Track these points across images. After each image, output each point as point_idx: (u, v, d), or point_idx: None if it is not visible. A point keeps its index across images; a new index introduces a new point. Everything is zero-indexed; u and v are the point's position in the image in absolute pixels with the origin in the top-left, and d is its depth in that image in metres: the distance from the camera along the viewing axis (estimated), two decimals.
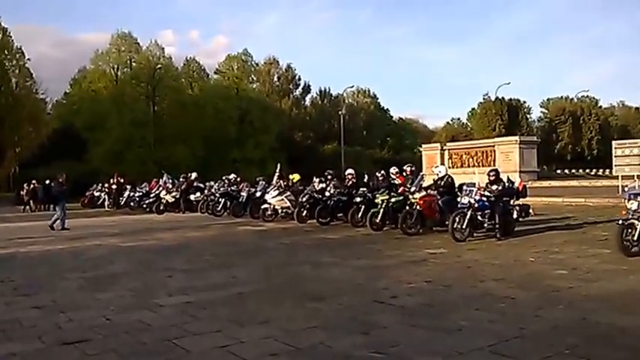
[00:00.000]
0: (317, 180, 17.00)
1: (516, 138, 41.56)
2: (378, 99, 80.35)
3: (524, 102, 76.77)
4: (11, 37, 48.28)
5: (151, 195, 24.71)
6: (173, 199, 23.42)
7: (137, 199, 25.97)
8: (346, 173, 16.45)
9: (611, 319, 5.30)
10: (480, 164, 38.34)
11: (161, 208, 23.11)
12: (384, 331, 5.13)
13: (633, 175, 19.74)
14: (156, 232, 15.35)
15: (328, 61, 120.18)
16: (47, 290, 7.49)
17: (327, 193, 15.78)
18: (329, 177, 16.45)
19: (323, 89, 75.08)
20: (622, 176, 21.43)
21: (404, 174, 13.98)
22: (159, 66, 53.87)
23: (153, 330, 5.36)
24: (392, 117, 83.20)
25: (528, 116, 78.29)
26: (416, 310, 5.86)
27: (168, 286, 7.62)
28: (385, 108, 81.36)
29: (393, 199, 13.35)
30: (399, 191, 13.35)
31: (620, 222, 8.92)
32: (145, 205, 24.36)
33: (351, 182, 15.92)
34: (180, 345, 4.81)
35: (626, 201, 9.12)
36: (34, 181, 31.06)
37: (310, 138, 68.11)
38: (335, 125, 65.65)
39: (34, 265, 10.07)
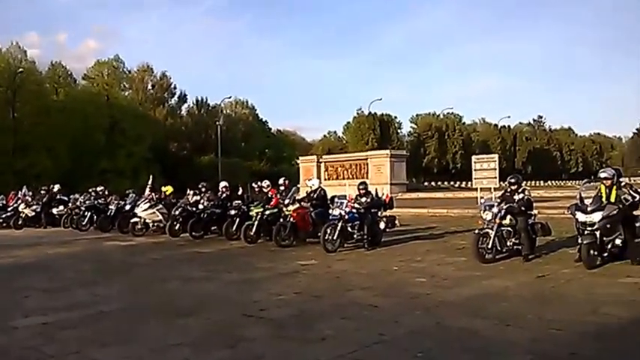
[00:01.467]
0: (191, 192, 16.65)
1: (387, 152, 43.54)
2: (256, 110, 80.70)
3: (395, 117, 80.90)
4: None
5: (9, 209, 22.79)
6: (33, 213, 21.78)
7: None
8: (220, 186, 16.27)
9: (463, 323, 5.70)
10: (354, 176, 39.69)
11: (20, 222, 21.36)
12: (251, 344, 5.15)
13: (490, 188, 21.35)
14: (13, 249, 14.20)
15: (205, 71, 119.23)
16: None
17: (200, 206, 15.50)
18: (203, 189, 16.18)
19: (200, 99, 74.09)
20: (480, 189, 23.11)
21: (281, 188, 14.11)
22: (20, 70, 50.16)
23: (6, 353, 4.98)
24: (270, 129, 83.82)
25: (399, 131, 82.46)
26: (284, 322, 5.94)
27: (25, 306, 7.09)
28: (264, 119, 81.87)
29: (267, 212, 13.42)
30: (273, 204, 13.46)
31: (477, 231, 9.65)
32: (1, 220, 22.43)
33: (225, 195, 15.77)
34: None
35: (482, 212, 9.88)
36: None
37: (186, 149, 66.77)
38: (212, 136, 64.83)
39: None
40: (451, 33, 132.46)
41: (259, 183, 15.20)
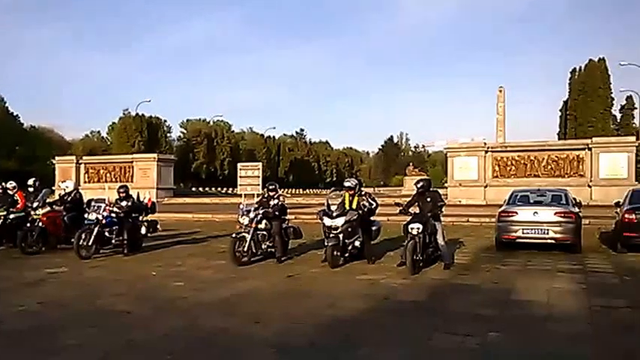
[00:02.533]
0: None
1: (154, 155, 42.46)
2: (5, 102, 71.94)
3: (165, 120, 79.17)
4: None
5: None
6: None
7: None
8: None
9: (215, 323, 5.89)
10: (119, 179, 37.93)
11: None
12: None
13: (254, 194, 22.15)
14: None
15: None
16: None
17: None
18: None
19: None
20: (245, 195, 23.84)
21: (30, 189, 12.84)
22: None
23: None
24: (22, 124, 75.39)
25: (168, 135, 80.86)
26: (22, 334, 5.48)
27: None
28: (14, 113, 73.30)
29: (11, 215, 12.18)
30: (19, 207, 12.26)
31: (234, 235, 9.98)
32: None
33: None
34: None
35: (240, 216, 10.24)
36: None
37: None
38: None
39: None
40: (226, 41, 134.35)
41: (4, 184, 13.66)
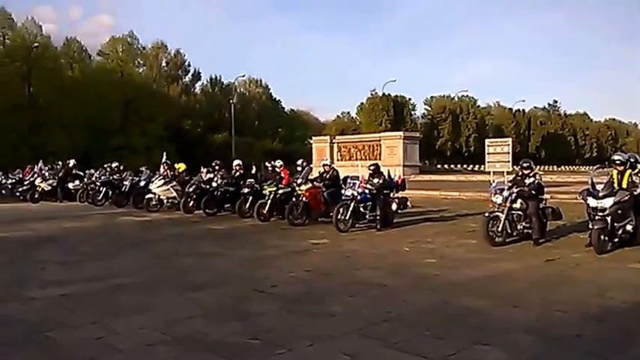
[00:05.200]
0: (204, 170, 16.81)
1: (400, 133, 43.43)
2: (270, 89, 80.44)
3: (410, 99, 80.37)
4: None
5: (25, 182, 23.15)
6: (50, 187, 22.10)
7: (9, 186, 24.23)
8: (233, 164, 16.42)
9: (469, 303, 5.80)
10: (367, 157, 39.66)
11: (36, 196, 21.71)
12: (261, 317, 5.30)
13: (503, 172, 21.28)
14: (30, 222, 14.49)
15: (219, 49, 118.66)
16: None
17: (214, 184, 15.67)
18: (216, 167, 16.33)
19: (214, 77, 74.01)
20: (493, 172, 23.05)
21: (299, 168, 14.23)
22: (36, 45, 50.33)
23: (24, 323, 5.17)
24: (284, 108, 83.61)
25: (413, 113, 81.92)
26: (294, 298, 6.08)
27: (42, 278, 7.30)
28: (277, 99, 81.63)
29: (280, 191, 13.56)
30: (284, 183, 13.61)
31: (487, 214, 9.69)
32: (18, 193, 22.80)
33: (238, 173, 15.92)
34: (52, 337, 4.70)
35: (492, 195, 9.91)
36: None
37: (200, 127, 66.86)
38: (226, 115, 64.95)
39: None
40: (467, 13, 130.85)
41: (272, 162, 15.32)
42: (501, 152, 23.25)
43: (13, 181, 24.44)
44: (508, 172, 20.11)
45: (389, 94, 73.16)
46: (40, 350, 4.42)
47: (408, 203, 12.71)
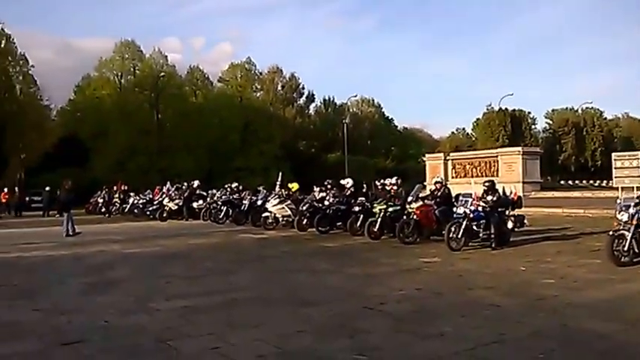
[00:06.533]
0: (317, 189, 17.22)
1: (519, 149, 41.71)
2: (382, 108, 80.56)
3: (529, 112, 77.04)
4: (14, 43, 48.45)
5: (155, 202, 24.96)
6: (176, 207, 23.66)
7: (141, 206, 26.22)
8: (343, 182, 16.69)
9: (591, 326, 5.48)
10: (484, 174, 38.44)
11: (164, 215, 23.33)
12: (370, 335, 5.33)
13: (633, 187, 19.84)
14: (158, 239, 15.59)
15: (332, 70, 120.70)
16: (48, 294, 7.73)
17: (326, 202, 15.99)
18: (328, 186, 16.66)
19: (327, 98, 75.43)
20: (622, 188, 21.54)
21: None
22: (162, 74, 54.18)
23: (148, 332, 5.58)
24: (396, 126, 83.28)
25: (533, 127, 78.39)
26: (403, 317, 6.05)
27: (167, 291, 7.84)
28: (389, 117, 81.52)
29: (390, 209, 13.56)
30: (395, 201, 13.59)
31: (611, 233, 9.09)
32: (148, 212, 24.62)
33: (349, 192, 16.14)
34: (173, 346, 5.03)
35: (617, 212, 9.28)
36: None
37: (314, 147, 68.36)
38: (339, 134, 65.81)
39: (36, 269, 10.33)
40: (587, 22, 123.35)
41: (382, 180, 15.38)
42: (630, 167, 21.75)
43: (144, 201, 26.45)
44: (638, 188, 18.70)
45: (506, 109, 70.60)
46: (162, 358, 4.76)
47: (525, 221, 12.20)
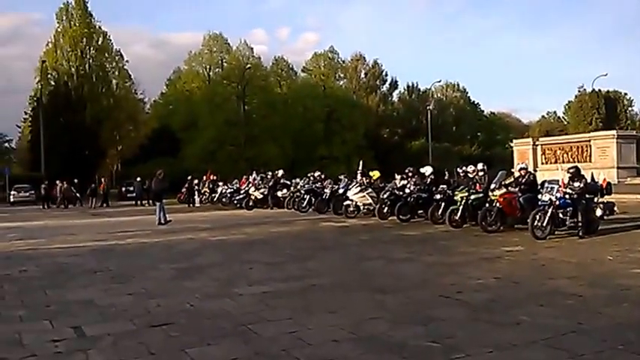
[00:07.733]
0: (398, 177, 17.19)
1: (613, 132, 39.45)
2: (467, 93, 78.46)
3: (625, 94, 72.44)
4: (111, 40, 51.49)
5: (241, 192, 25.79)
6: (261, 196, 24.36)
7: (228, 195, 27.17)
8: (422, 171, 16.56)
9: None
10: (575, 160, 36.73)
11: (250, 204, 24.09)
12: (444, 323, 5.36)
13: None
14: (244, 226, 16.17)
15: (416, 56, 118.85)
16: (140, 279, 8.28)
17: (407, 190, 15.95)
18: (409, 174, 16.59)
19: (410, 84, 74.34)
20: None
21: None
22: (248, 66, 55.51)
23: (230, 316, 5.88)
24: (483, 111, 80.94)
25: (629, 109, 73.71)
26: (479, 305, 6.02)
27: (249, 277, 8.18)
28: (475, 102, 79.34)
29: (472, 197, 13.35)
30: (477, 188, 13.34)
31: None
32: (235, 201, 25.48)
33: (430, 179, 16.00)
34: (253, 330, 5.29)
35: None
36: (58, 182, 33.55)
37: (397, 134, 67.71)
38: (423, 121, 64.92)
39: (130, 256, 11.05)
40: None
41: (464, 167, 15.13)
42: None
43: (232, 190, 27.37)
44: None
45: (599, 90, 66.78)
46: (242, 340, 5.02)
47: (615, 209, 11.66)
